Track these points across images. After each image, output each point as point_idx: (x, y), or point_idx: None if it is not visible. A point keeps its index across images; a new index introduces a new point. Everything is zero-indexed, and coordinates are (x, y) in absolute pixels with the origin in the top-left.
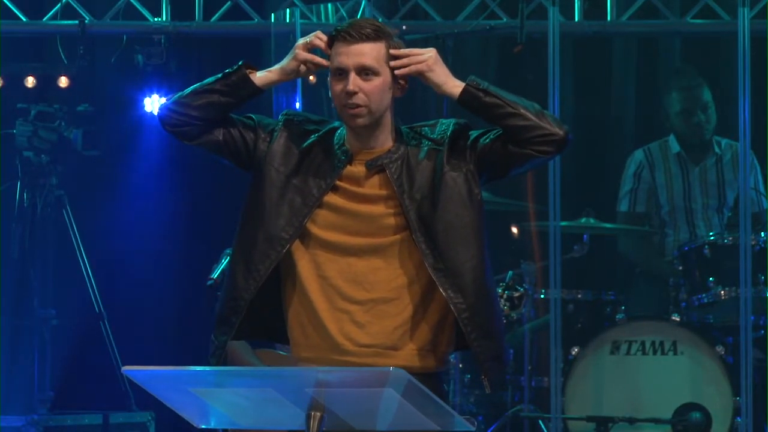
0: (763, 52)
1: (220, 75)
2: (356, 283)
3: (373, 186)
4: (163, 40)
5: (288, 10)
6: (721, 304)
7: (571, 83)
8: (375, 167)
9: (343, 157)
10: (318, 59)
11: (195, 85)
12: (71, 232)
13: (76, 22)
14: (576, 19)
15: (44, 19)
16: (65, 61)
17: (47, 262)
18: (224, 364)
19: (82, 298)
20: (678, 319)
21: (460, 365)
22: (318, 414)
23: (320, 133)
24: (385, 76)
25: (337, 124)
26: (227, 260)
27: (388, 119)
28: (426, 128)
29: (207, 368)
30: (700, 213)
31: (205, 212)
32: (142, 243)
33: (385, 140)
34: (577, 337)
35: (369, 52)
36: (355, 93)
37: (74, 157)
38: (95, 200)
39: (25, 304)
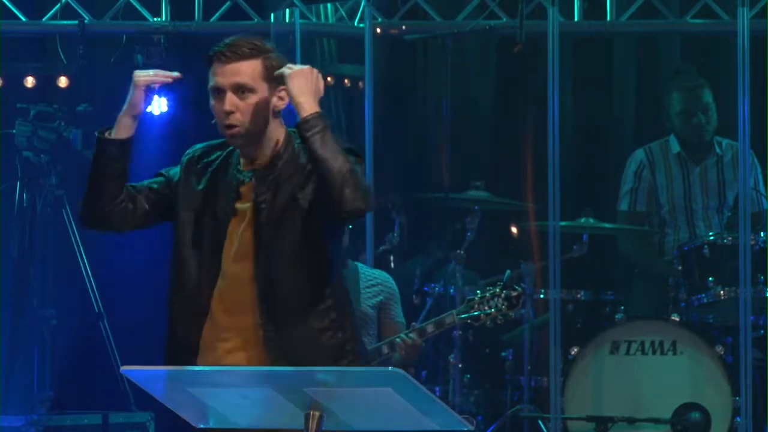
0: (763, 52)
1: (92, 161)
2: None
3: (246, 200)
4: (162, 40)
5: (287, 10)
6: (721, 304)
7: (571, 83)
8: (247, 181)
9: (236, 175)
10: (162, 73)
11: (86, 189)
12: (71, 232)
13: (76, 22)
14: (575, 19)
15: (44, 19)
16: (65, 61)
17: (47, 262)
18: None
19: (82, 298)
20: (677, 319)
21: (460, 365)
22: (317, 414)
23: (223, 156)
24: (262, 93)
25: None
26: None
27: (273, 133)
28: None
29: (206, 368)
30: (700, 213)
31: None
32: (142, 243)
33: (268, 153)
34: (576, 337)
35: (244, 70)
36: (232, 112)
37: (74, 157)
38: None
39: (25, 304)
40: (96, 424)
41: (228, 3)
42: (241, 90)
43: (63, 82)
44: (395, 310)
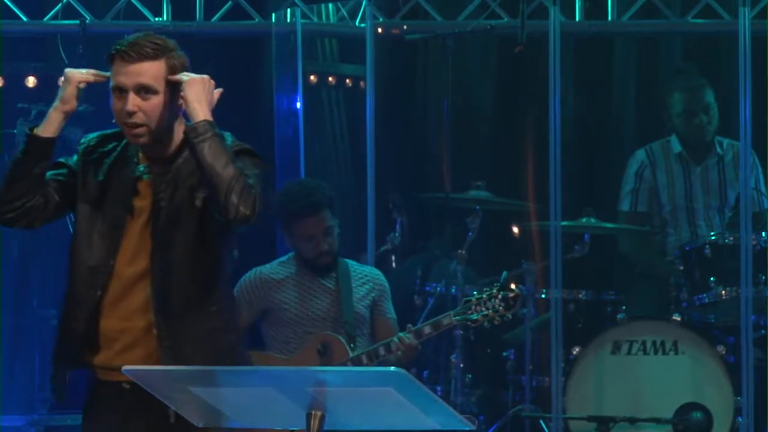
0: (764, 52)
1: (18, 155)
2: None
3: (143, 197)
4: None
5: (289, 10)
6: (722, 304)
7: (572, 83)
8: (146, 177)
9: (134, 172)
10: (95, 72)
11: (4, 181)
12: (72, 232)
13: (77, 21)
14: (577, 19)
15: (45, 19)
16: (66, 61)
17: (47, 262)
18: (65, 394)
19: None
20: (679, 318)
21: (461, 365)
22: (318, 413)
23: (120, 148)
24: (165, 94)
25: None
26: None
27: (174, 132)
28: None
29: (207, 367)
30: (702, 213)
31: None
32: None
33: (169, 152)
34: (578, 337)
35: (147, 70)
36: (134, 112)
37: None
38: None
39: (25, 304)
40: None
41: (229, 3)
42: (144, 90)
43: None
44: (386, 306)
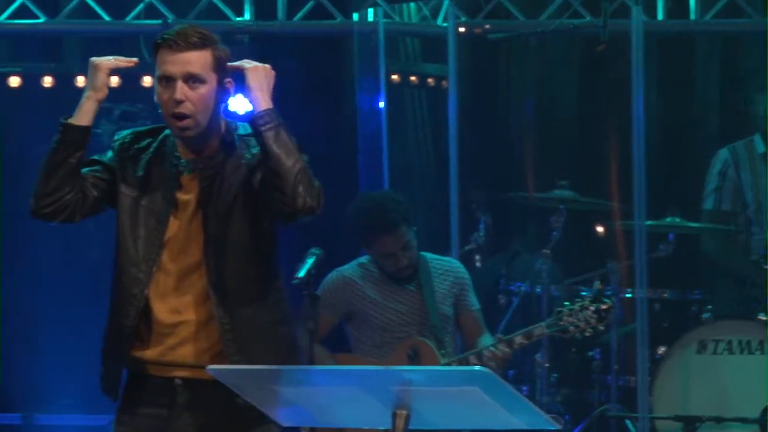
0: None
1: (53, 146)
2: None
3: (188, 191)
4: (246, 40)
5: (371, 10)
6: None
7: (655, 82)
8: (192, 171)
9: (176, 167)
10: (124, 59)
11: (42, 173)
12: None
13: (159, 21)
14: (659, 18)
15: (127, 19)
16: (148, 61)
17: None
18: (118, 393)
19: None
20: (765, 318)
21: (547, 364)
22: (404, 412)
23: (155, 144)
24: (212, 84)
25: (167, 131)
26: (312, 260)
27: (215, 125)
28: (255, 139)
29: (292, 367)
30: None
31: None
32: None
33: (211, 144)
34: (663, 337)
35: (196, 60)
36: (182, 101)
37: None
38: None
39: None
40: None
41: (311, 2)
42: (192, 80)
43: (147, 81)
44: (470, 299)
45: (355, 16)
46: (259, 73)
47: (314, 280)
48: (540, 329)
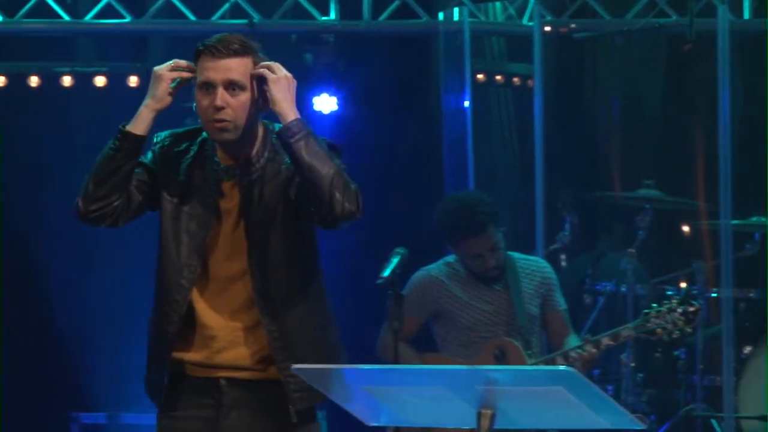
0: None
1: (109, 152)
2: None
3: (229, 198)
4: (331, 39)
5: (456, 9)
6: None
7: (741, 81)
8: (231, 178)
9: (216, 172)
10: (184, 63)
11: (93, 178)
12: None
13: (245, 21)
14: (745, 17)
15: (213, 18)
16: None
17: None
18: (162, 396)
19: None
20: None
21: (632, 364)
22: (489, 412)
23: (195, 148)
24: (251, 90)
25: (204, 135)
26: (397, 259)
27: (255, 132)
28: None
29: (378, 366)
30: None
31: (376, 210)
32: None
33: (250, 151)
34: (749, 336)
35: (236, 67)
36: (222, 108)
37: None
38: None
39: None
40: None
41: (397, 2)
42: (232, 86)
43: None
44: (556, 299)
45: (441, 16)
46: (281, 83)
47: (399, 279)
48: (627, 331)
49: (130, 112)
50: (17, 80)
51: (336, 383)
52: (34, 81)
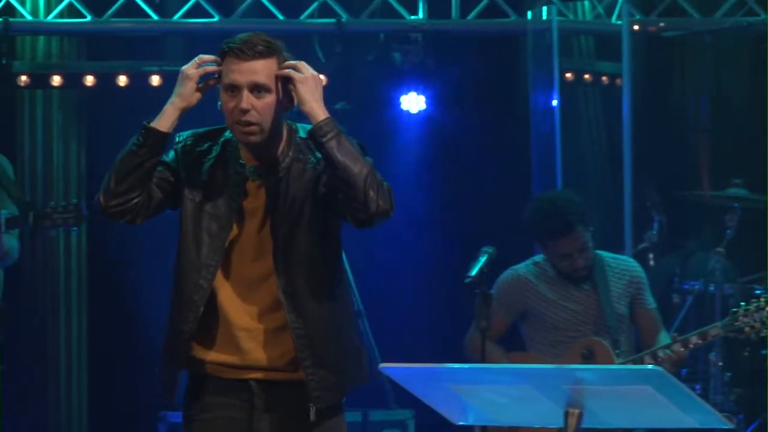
0: None
1: (132, 148)
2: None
3: (254, 198)
4: (420, 38)
5: (545, 8)
6: None
7: None
8: (257, 178)
9: (240, 173)
10: (208, 58)
11: (115, 174)
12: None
13: (333, 20)
14: None
15: (301, 18)
16: (322, 60)
17: None
18: (174, 395)
19: None
20: None
21: (720, 363)
22: (576, 411)
23: (217, 148)
24: (277, 92)
25: (227, 135)
26: (485, 258)
27: (280, 132)
28: None
29: (466, 366)
30: None
31: (464, 209)
32: (401, 240)
33: (275, 152)
34: None
35: (261, 69)
36: (248, 110)
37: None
38: None
39: None
40: (356, 421)
41: (485, 1)
42: (257, 89)
43: (323, 79)
44: (646, 297)
45: (529, 15)
46: (309, 83)
47: (486, 278)
48: (715, 330)
49: (218, 111)
50: (106, 80)
51: (424, 382)
52: (122, 80)
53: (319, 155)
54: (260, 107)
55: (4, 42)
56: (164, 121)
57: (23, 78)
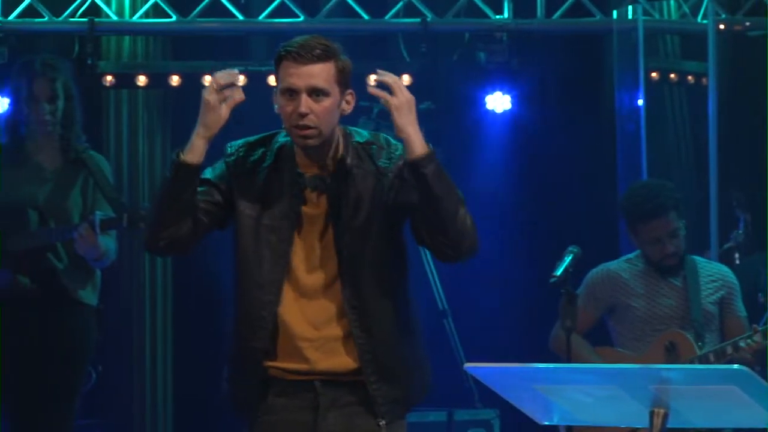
0: None
1: (166, 183)
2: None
3: (314, 206)
4: (504, 38)
5: (630, 7)
6: None
7: None
8: (317, 187)
9: (299, 182)
10: (236, 95)
11: (156, 210)
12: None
13: (418, 20)
14: None
15: (386, 17)
16: (407, 59)
17: None
18: (251, 412)
19: (426, 296)
20: None
21: None
22: (662, 411)
23: (271, 155)
24: (335, 96)
25: (281, 139)
26: (570, 258)
27: (337, 135)
28: (375, 146)
29: (551, 365)
30: None
31: (549, 208)
32: (486, 239)
33: (333, 156)
34: None
35: (319, 73)
36: (306, 114)
37: None
38: None
39: None
40: (441, 421)
41: (570, 0)
42: (315, 93)
43: (405, 80)
44: (736, 304)
45: (615, 14)
46: (404, 109)
47: (572, 277)
48: None
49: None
50: (191, 79)
51: (509, 382)
52: (207, 80)
53: (380, 163)
54: (318, 111)
55: (90, 42)
56: (194, 153)
57: (109, 78)
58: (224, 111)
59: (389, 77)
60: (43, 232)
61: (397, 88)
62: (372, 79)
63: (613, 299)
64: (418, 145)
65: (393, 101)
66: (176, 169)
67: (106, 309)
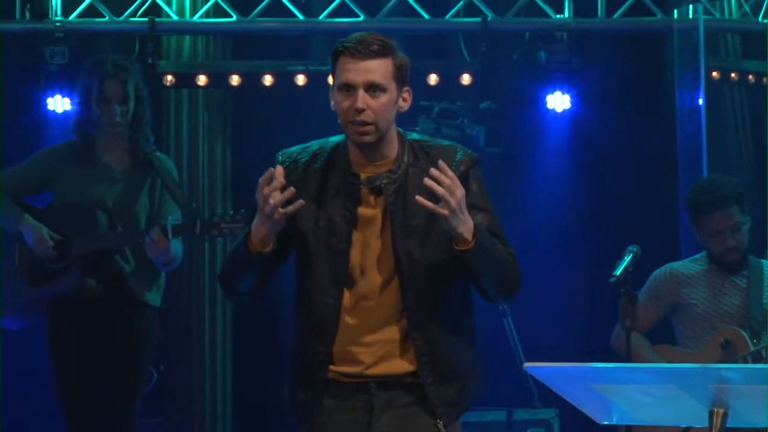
0: None
1: (242, 258)
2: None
3: (370, 206)
4: (565, 37)
5: (691, 6)
6: None
7: None
8: (374, 187)
9: (354, 182)
10: (289, 206)
11: (229, 271)
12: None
13: (479, 19)
14: None
15: (447, 17)
16: (468, 59)
17: None
18: (315, 418)
19: None
20: None
21: None
22: (721, 410)
23: (323, 156)
24: (392, 93)
25: (333, 140)
26: (629, 257)
27: (392, 133)
28: (437, 148)
29: (610, 365)
30: None
31: (609, 208)
32: (546, 239)
33: (388, 154)
34: None
35: (377, 68)
36: (363, 110)
37: (477, 154)
38: (497, 197)
39: None
40: (500, 420)
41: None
42: (373, 89)
43: (466, 79)
44: None
45: (675, 13)
46: (456, 216)
47: (631, 277)
48: None
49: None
50: (251, 79)
51: (568, 381)
52: (268, 80)
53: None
54: (376, 107)
55: (150, 42)
56: (264, 244)
57: (169, 77)
58: (277, 216)
59: (444, 179)
60: (114, 235)
61: (450, 195)
62: (431, 172)
63: (675, 297)
64: (463, 241)
65: (443, 212)
66: (250, 254)
67: (167, 309)
